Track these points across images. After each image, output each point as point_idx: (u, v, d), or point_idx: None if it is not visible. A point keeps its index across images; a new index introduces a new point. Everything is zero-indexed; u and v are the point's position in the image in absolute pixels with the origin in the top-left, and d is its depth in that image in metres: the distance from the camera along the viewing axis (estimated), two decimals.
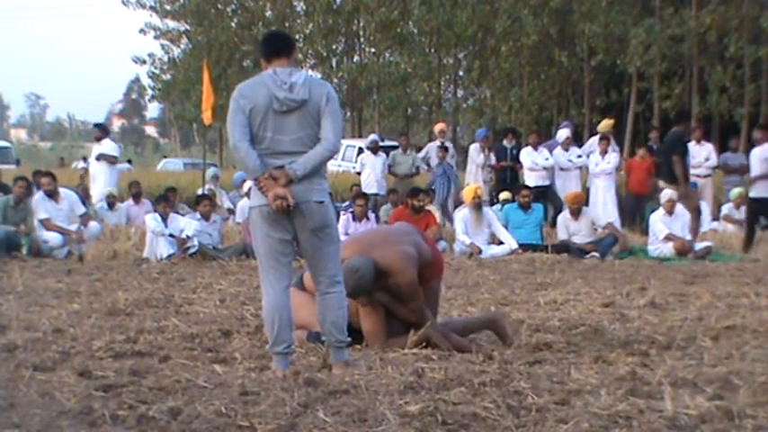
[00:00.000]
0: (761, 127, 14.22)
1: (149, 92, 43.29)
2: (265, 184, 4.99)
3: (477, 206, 12.72)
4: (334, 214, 5.25)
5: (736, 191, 15.12)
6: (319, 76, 30.90)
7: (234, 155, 5.27)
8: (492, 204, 14.78)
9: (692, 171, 15.15)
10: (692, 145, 15.34)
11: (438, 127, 17.54)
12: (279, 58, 5.10)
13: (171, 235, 11.78)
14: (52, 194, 12.34)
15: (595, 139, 16.03)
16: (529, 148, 15.57)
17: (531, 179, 15.24)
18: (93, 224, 12.63)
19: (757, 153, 12.90)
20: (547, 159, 15.32)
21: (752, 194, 12.98)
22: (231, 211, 15.59)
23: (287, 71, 5.06)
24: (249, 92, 5.07)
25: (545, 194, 15.07)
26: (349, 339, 5.26)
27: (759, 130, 13.66)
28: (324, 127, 5.04)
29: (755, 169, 12.86)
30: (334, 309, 5.16)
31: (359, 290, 5.66)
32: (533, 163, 15.31)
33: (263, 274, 5.14)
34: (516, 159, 16.31)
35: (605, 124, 15.96)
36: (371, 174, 16.21)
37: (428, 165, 16.16)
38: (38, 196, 12.43)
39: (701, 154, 15.26)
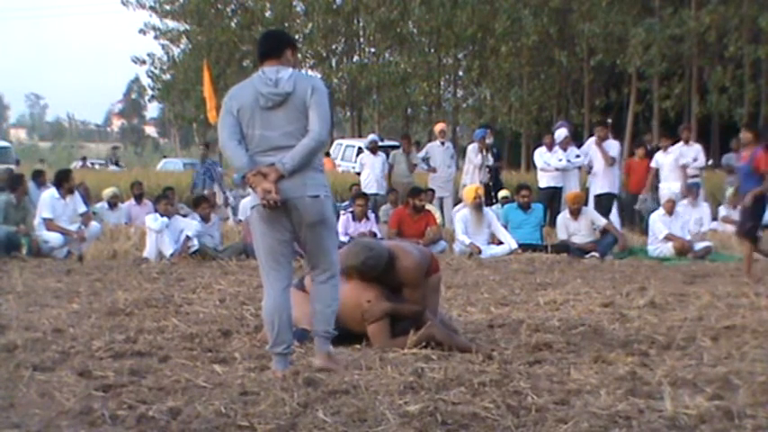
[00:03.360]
0: (600, 123, 15.44)
1: (149, 92, 43.27)
2: (254, 181, 4.99)
3: (478, 206, 12.71)
4: (331, 208, 5.24)
5: (731, 190, 15.10)
6: (319, 76, 30.90)
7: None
8: (489, 204, 14.73)
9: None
10: (679, 145, 15.31)
11: (438, 127, 17.53)
12: (269, 60, 5.15)
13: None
14: (67, 192, 12.31)
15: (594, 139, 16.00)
16: (543, 149, 15.44)
17: (542, 180, 15.21)
18: (93, 224, 12.63)
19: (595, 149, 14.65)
20: (560, 161, 15.23)
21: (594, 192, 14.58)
22: (231, 207, 15.65)
23: (274, 69, 5.09)
24: (238, 93, 5.15)
25: (556, 196, 14.97)
26: (335, 333, 5.26)
27: (600, 127, 15.45)
28: (310, 118, 5.03)
29: (598, 164, 14.64)
30: (327, 300, 5.18)
31: (366, 267, 5.85)
32: (545, 163, 15.26)
33: (264, 275, 5.15)
34: (496, 157, 16.36)
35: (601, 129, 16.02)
36: (371, 174, 16.20)
37: (428, 165, 16.15)
38: (47, 194, 12.41)
39: (689, 154, 15.23)
